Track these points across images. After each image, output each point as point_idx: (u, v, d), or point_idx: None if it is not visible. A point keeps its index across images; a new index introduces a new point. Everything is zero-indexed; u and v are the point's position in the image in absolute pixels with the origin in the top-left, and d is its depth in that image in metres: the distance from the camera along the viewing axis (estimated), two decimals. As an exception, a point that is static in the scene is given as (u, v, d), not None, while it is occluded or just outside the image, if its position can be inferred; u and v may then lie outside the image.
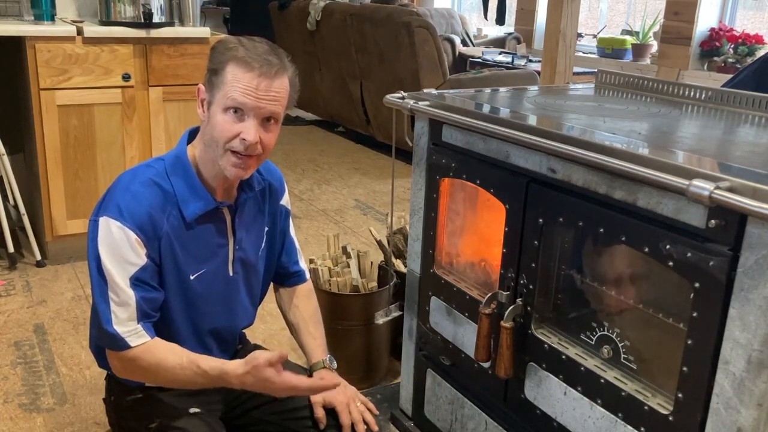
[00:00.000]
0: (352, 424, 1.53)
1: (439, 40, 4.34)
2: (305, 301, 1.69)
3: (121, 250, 1.31)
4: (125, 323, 1.32)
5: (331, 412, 1.55)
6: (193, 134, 1.44)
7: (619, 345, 1.27)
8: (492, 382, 1.51)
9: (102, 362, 1.52)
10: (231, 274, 1.48)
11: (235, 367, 1.32)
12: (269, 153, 1.39)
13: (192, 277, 1.42)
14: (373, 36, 4.59)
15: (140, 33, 2.79)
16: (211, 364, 1.34)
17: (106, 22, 2.85)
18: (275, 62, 1.32)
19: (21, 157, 3.16)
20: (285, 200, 1.62)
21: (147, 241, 1.33)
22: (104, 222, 1.32)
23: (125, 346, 1.33)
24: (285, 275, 1.67)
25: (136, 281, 1.33)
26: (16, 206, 2.89)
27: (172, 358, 1.35)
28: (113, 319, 1.32)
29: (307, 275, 1.72)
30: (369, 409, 1.57)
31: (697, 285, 1.06)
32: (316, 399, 1.54)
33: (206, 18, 7.08)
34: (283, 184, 1.61)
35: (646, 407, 1.17)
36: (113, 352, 1.36)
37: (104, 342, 1.36)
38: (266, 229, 1.56)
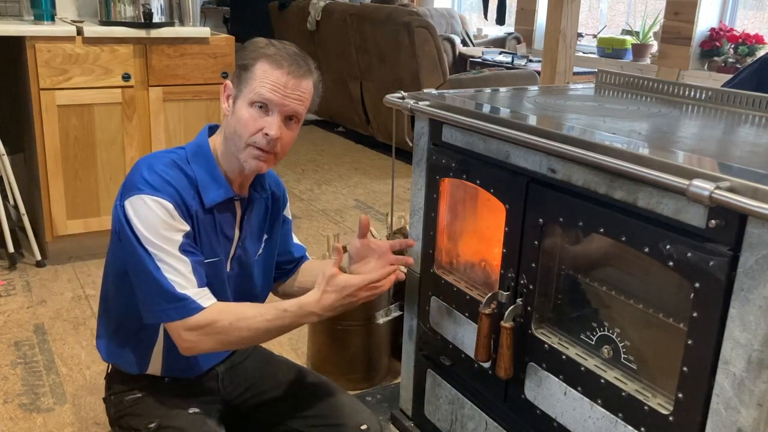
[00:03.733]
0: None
1: (439, 40, 4.34)
2: (308, 262, 1.70)
3: (164, 219, 1.30)
4: (190, 288, 1.31)
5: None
6: (212, 130, 1.47)
7: (619, 345, 1.27)
8: (492, 382, 1.51)
9: (108, 355, 1.52)
10: (228, 270, 1.48)
11: (310, 294, 1.34)
12: (287, 151, 1.42)
13: (206, 261, 1.41)
14: (373, 36, 4.59)
15: (140, 33, 2.79)
16: (287, 302, 1.36)
17: (106, 22, 2.85)
18: (303, 64, 1.37)
19: (21, 157, 3.16)
20: (287, 211, 1.64)
21: (181, 213, 1.33)
22: (138, 200, 1.31)
23: (198, 308, 1.30)
24: (291, 267, 1.67)
25: (186, 247, 1.32)
26: (16, 206, 2.89)
27: (249, 310, 1.35)
28: (176, 286, 1.30)
29: (308, 255, 1.73)
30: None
31: (697, 285, 1.06)
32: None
33: (206, 18, 7.08)
34: (286, 196, 1.64)
35: (646, 407, 1.17)
36: (182, 323, 1.31)
37: (172, 312, 1.31)
38: (265, 236, 1.56)
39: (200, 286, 1.33)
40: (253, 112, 1.34)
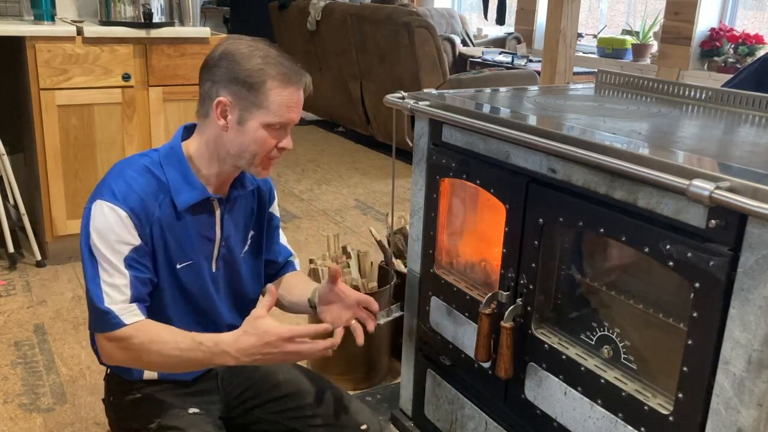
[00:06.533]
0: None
1: (439, 40, 4.34)
2: (293, 275, 1.68)
3: (114, 229, 1.31)
4: (118, 303, 1.31)
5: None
6: (187, 130, 1.46)
7: (619, 345, 1.27)
8: (492, 382, 1.51)
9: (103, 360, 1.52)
10: (214, 270, 1.48)
11: (231, 333, 1.28)
12: None
13: (178, 266, 1.42)
14: (373, 36, 4.59)
15: (140, 33, 2.79)
16: (207, 335, 1.31)
17: (106, 22, 2.85)
18: (300, 71, 1.37)
19: (21, 157, 3.16)
20: (274, 208, 1.62)
21: (139, 224, 1.33)
22: (97, 206, 1.33)
23: (119, 324, 1.30)
24: (273, 272, 1.67)
25: (131, 261, 1.32)
26: (16, 206, 2.89)
27: (167, 334, 1.32)
28: (105, 298, 1.30)
29: (298, 267, 1.71)
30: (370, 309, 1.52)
31: (697, 285, 1.06)
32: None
33: (206, 18, 7.08)
34: (273, 191, 1.62)
35: (646, 407, 1.17)
36: (104, 334, 1.32)
37: (95, 323, 1.32)
38: (252, 233, 1.56)
39: (133, 301, 1.32)
40: (270, 132, 1.35)
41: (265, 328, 1.25)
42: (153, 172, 1.38)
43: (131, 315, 1.32)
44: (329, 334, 1.32)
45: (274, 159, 1.40)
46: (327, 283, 1.51)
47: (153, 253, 1.38)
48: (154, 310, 1.40)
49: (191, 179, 1.40)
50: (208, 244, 1.46)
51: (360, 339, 1.49)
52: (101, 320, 1.31)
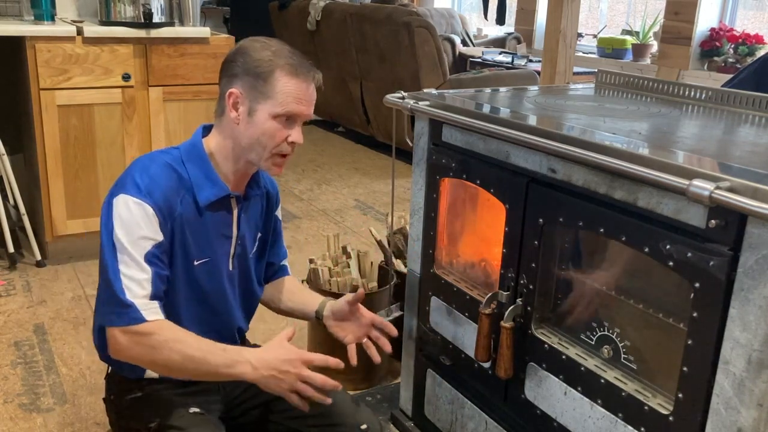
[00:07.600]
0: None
1: (439, 40, 4.34)
2: (292, 280, 1.72)
3: (139, 224, 1.31)
4: (140, 297, 1.31)
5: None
6: (206, 129, 1.48)
7: (619, 345, 1.27)
8: (492, 382, 1.51)
9: (104, 355, 1.52)
10: (231, 268, 1.49)
11: (255, 349, 1.34)
12: None
13: (196, 263, 1.43)
14: (373, 36, 4.59)
15: (140, 33, 2.79)
16: (230, 345, 1.36)
17: (106, 22, 2.85)
18: (309, 66, 1.40)
19: (21, 157, 3.16)
20: (278, 211, 1.66)
21: (163, 220, 1.34)
22: (122, 199, 1.33)
23: (140, 318, 1.29)
24: (271, 273, 1.69)
25: (151, 257, 1.33)
26: (16, 206, 2.89)
27: (190, 337, 1.33)
28: (127, 292, 1.30)
29: (290, 272, 1.74)
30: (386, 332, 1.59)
31: (697, 285, 1.06)
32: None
33: (206, 18, 7.08)
34: (278, 195, 1.65)
35: (646, 407, 1.17)
36: (120, 328, 1.30)
37: (115, 314, 1.30)
38: (259, 234, 1.58)
39: (152, 298, 1.32)
40: (278, 124, 1.38)
41: (290, 347, 1.33)
42: (175, 168, 1.40)
43: (152, 312, 1.32)
44: (338, 373, 1.41)
45: (286, 155, 1.42)
46: (347, 302, 1.56)
47: (171, 250, 1.39)
48: (166, 309, 1.41)
49: (213, 176, 1.42)
50: (225, 242, 1.47)
51: (376, 357, 1.55)
52: (121, 313, 1.30)
